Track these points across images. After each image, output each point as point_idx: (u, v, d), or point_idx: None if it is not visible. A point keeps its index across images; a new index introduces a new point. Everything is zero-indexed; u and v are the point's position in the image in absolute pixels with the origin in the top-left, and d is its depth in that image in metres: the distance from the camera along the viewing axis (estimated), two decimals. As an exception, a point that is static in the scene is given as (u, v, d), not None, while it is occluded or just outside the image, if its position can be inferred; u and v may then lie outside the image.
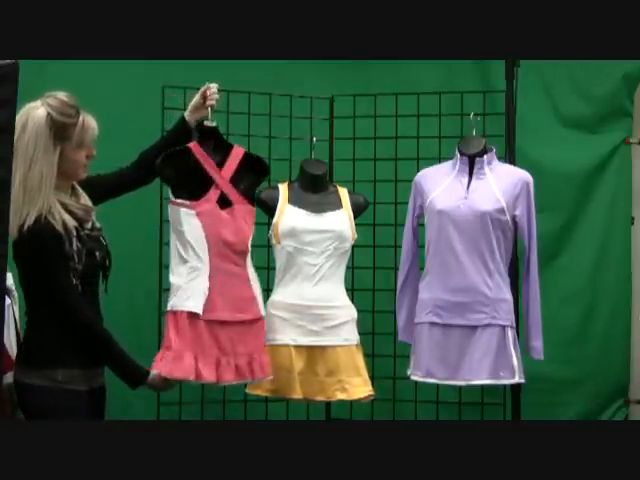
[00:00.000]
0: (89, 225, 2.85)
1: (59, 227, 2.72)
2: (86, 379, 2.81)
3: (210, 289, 3.25)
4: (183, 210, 3.26)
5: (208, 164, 3.31)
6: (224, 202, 3.31)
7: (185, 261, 3.26)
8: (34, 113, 2.71)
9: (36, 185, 2.68)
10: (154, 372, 3.00)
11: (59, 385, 2.73)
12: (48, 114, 2.70)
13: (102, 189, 3.02)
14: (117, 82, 4.23)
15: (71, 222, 2.76)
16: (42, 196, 2.68)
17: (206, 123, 3.34)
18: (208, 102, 3.28)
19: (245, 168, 3.40)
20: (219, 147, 3.38)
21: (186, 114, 3.30)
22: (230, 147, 3.40)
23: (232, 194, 3.33)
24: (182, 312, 3.22)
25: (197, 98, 3.29)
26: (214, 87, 3.31)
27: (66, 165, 2.76)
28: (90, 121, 2.80)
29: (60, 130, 2.72)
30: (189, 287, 3.24)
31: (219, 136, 3.40)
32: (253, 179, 3.45)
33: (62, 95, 2.76)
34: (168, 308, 3.27)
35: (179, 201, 3.27)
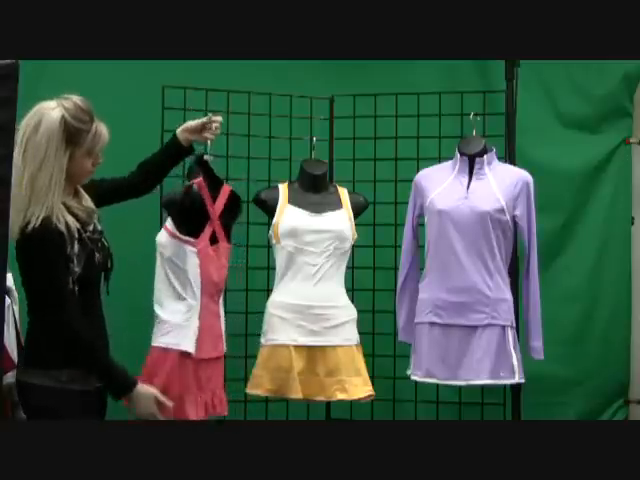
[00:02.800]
0: (91, 227, 2.84)
1: (63, 228, 2.71)
2: (91, 379, 2.80)
3: (200, 328, 3.25)
4: (188, 248, 3.23)
5: (209, 201, 3.26)
6: (212, 240, 3.25)
7: (183, 299, 3.25)
8: (49, 114, 2.67)
9: (45, 186, 2.65)
10: (143, 388, 2.77)
11: (64, 385, 2.71)
12: (62, 116, 2.67)
13: (104, 194, 3.01)
14: (117, 82, 4.22)
15: (74, 224, 2.75)
16: (50, 198, 2.67)
17: (205, 157, 3.28)
18: (209, 134, 3.20)
19: (229, 205, 3.38)
20: (212, 183, 3.34)
21: (178, 131, 3.19)
22: (221, 183, 3.38)
23: (219, 231, 3.29)
24: (174, 351, 3.21)
25: (197, 122, 3.19)
26: (218, 121, 3.22)
27: (73, 169, 2.74)
28: (102, 130, 2.76)
29: (73, 134, 2.69)
30: (186, 326, 3.23)
31: (212, 172, 3.36)
32: (233, 216, 3.43)
33: (78, 99, 2.72)
34: (158, 344, 3.23)
35: (184, 237, 3.22)
